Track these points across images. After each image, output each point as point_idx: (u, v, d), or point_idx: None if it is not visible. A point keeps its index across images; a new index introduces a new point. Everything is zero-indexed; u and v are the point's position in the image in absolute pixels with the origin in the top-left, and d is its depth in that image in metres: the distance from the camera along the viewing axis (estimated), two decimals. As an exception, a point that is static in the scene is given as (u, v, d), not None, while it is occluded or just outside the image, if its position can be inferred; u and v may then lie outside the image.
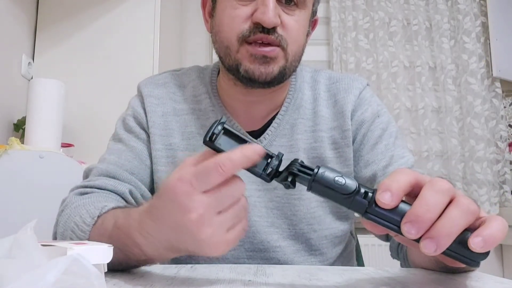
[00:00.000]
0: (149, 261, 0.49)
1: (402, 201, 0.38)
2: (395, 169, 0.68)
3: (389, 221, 0.38)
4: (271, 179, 0.43)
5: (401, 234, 0.37)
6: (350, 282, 0.47)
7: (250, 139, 0.43)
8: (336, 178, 0.39)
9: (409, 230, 0.35)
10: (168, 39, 2.03)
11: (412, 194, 0.38)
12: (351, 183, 0.39)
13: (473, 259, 0.38)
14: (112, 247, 0.39)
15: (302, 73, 0.77)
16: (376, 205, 0.38)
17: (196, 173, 0.39)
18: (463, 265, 0.39)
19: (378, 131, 0.72)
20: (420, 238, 0.36)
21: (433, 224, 0.35)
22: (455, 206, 0.36)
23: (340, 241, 0.76)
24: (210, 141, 0.42)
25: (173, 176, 0.41)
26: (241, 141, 0.43)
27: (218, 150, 0.42)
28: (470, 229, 0.36)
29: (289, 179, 0.42)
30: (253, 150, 0.39)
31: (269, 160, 0.43)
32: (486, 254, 0.37)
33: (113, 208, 0.56)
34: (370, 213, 0.38)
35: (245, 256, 0.72)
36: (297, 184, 0.42)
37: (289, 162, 0.43)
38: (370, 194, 0.39)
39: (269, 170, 0.42)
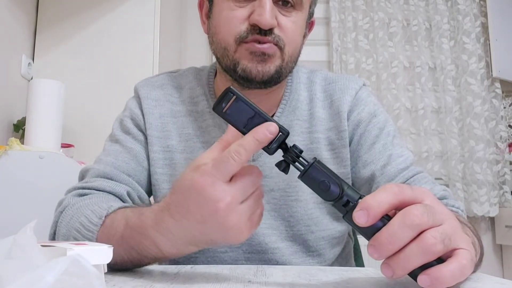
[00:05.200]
0: (165, 258, 0.50)
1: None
2: (393, 168, 0.69)
3: (362, 231, 0.39)
4: (273, 153, 0.43)
5: None
6: (349, 282, 0.47)
7: (260, 110, 0.44)
8: (322, 182, 0.41)
9: (372, 253, 0.38)
10: (168, 39, 2.03)
11: (399, 208, 0.39)
12: (334, 191, 0.40)
13: None
14: (112, 247, 0.38)
15: (298, 74, 0.76)
16: None
17: (214, 164, 0.41)
18: None
19: (375, 131, 0.72)
20: None
21: (395, 253, 0.37)
22: (417, 243, 0.37)
23: (338, 242, 0.76)
24: (219, 109, 0.43)
25: (192, 173, 0.42)
26: (250, 110, 0.43)
27: (226, 119, 0.43)
28: (441, 257, 0.37)
29: (283, 167, 0.44)
30: (264, 134, 0.41)
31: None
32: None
33: (119, 208, 0.56)
34: (347, 219, 0.41)
35: (243, 258, 0.71)
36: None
37: (289, 147, 0.44)
38: (350, 204, 0.40)
39: (274, 145, 0.43)
